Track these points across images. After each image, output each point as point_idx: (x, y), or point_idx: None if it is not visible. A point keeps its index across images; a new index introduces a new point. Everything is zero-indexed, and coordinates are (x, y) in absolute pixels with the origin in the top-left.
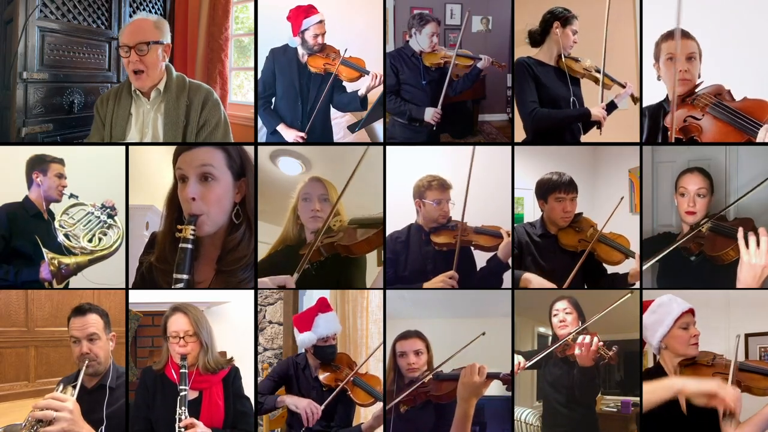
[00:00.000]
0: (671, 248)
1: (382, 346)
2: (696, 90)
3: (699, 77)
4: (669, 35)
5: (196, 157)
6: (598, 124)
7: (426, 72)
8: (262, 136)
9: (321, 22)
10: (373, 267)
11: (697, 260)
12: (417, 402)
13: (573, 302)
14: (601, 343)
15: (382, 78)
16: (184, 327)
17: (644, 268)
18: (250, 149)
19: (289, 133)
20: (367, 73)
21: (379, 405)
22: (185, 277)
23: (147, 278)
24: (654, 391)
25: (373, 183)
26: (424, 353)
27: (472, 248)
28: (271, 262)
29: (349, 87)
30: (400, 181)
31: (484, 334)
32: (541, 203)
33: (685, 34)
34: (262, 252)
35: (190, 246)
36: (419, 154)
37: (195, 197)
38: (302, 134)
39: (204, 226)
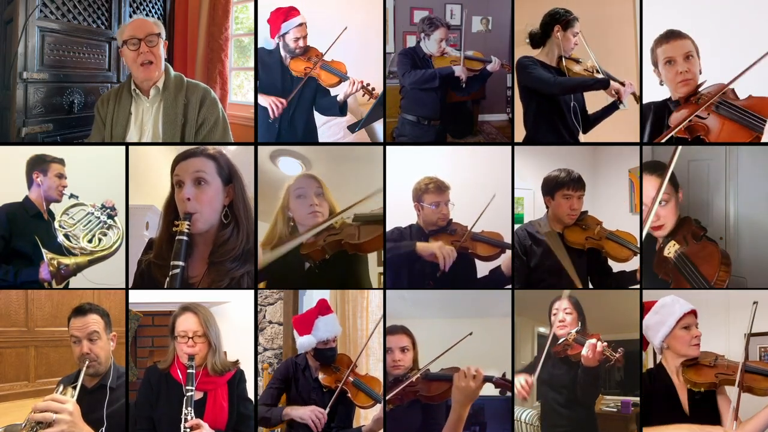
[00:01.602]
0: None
1: (377, 338)
2: (699, 89)
3: (700, 73)
4: (662, 39)
5: (192, 165)
6: (617, 104)
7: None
8: (261, 136)
9: (301, 24)
10: (373, 267)
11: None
12: (404, 401)
13: (574, 302)
14: (606, 344)
15: (363, 84)
16: (193, 327)
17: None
18: (240, 149)
19: (265, 99)
20: (347, 78)
21: (380, 407)
22: (181, 263)
23: (146, 274)
24: None
25: (373, 182)
26: (410, 350)
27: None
28: (271, 264)
29: (331, 91)
30: (400, 181)
31: (471, 334)
32: (548, 200)
33: (678, 34)
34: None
35: (185, 238)
36: (419, 154)
37: (190, 198)
38: (282, 100)
39: (197, 223)
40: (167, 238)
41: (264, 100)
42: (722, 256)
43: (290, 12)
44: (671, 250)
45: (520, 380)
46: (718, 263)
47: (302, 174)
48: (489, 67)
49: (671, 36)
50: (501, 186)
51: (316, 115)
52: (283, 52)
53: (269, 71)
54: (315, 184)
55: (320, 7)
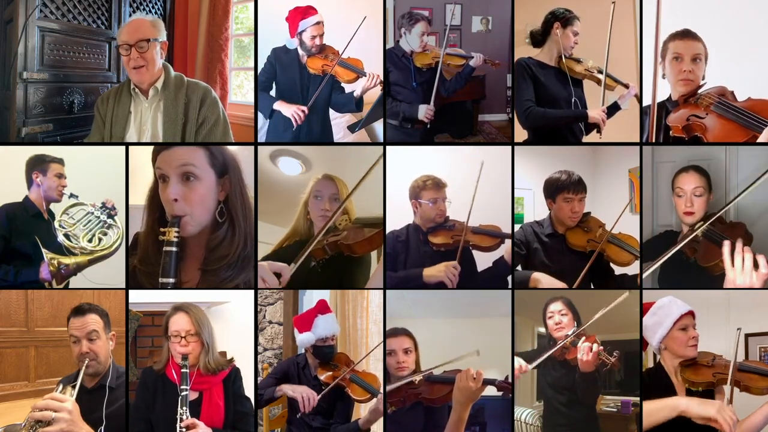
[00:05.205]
0: (671, 253)
1: (381, 344)
2: (699, 90)
3: (703, 79)
4: (676, 35)
5: (177, 157)
6: (598, 128)
7: (417, 73)
8: (262, 136)
9: (319, 23)
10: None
11: (694, 264)
12: (406, 403)
13: (567, 303)
14: (602, 348)
15: (380, 78)
16: (185, 326)
17: (646, 274)
18: (240, 148)
19: (287, 108)
20: (365, 74)
21: (375, 400)
22: (171, 281)
23: (132, 279)
24: (658, 411)
25: (375, 183)
26: (412, 351)
27: (471, 249)
28: (279, 255)
29: (348, 88)
30: (400, 181)
31: (478, 353)
32: (549, 203)
33: (693, 35)
34: (267, 249)
35: (174, 249)
36: (419, 155)
37: (177, 198)
38: (303, 107)
39: (188, 227)
40: (153, 241)
41: (286, 110)
42: (747, 229)
43: (308, 11)
44: (700, 228)
45: (516, 362)
46: (745, 231)
47: (326, 175)
48: (472, 63)
49: (686, 35)
50: (501, 186)
51: None
52: (300, 51)
53: (287, 70)
54: (333, 188)
55: (320, 7)
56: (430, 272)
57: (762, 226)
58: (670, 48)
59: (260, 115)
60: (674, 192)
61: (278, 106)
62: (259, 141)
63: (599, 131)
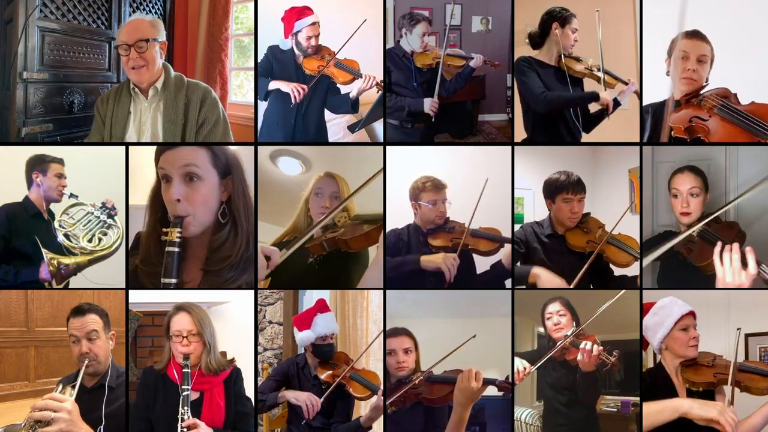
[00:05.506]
0: (667, 247)
1: (377, 340)
2: (701, 92)
3: (706, 81)
4: (687, 34)
5: (180, 157)
6: (606, 112)
7: (418, 73)
8: (262, 136)
9: (314, 24)
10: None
11: (690, 264)
12: (406, 403)
13: (565, 303)
14: (602, 348)
15: (376, 80)
16: (187, 326)
17: (644, 265)
18: (240, 148)
19: (286, 85)
20: (360, 75)
21: (376, 398)
22: (173, 281)
23: (134, 279)
24: (659, 413)
25: (375, 182)
26: (413, 351)
27: (470, 252)
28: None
29: (343, 89)
30: (400, 181)
31: (474, 336)
32: (549, 203)
33: (701, 36)
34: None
35: (176, 249)
36: (419, 155)
37: (180, 198)
38: (303, 85)
39: (190, 227)
40: (155, 241)
41: (285, 87)
42: (740, 229)
43: (304, 11)
44: (696, 228)
45: (519, 364)
46: (738, 231)
47: (327, 173)
48: (472, 63)
49: (695, 35)
50: (501, 186)
51: None
52: (296, 51)
53: (283, 69)
54: (334, 186)
55: (319, 7)
56: (429, 258)
57: (760, 226)
58: (678, 45)
59: (260, 115)
60: (670, 192)
61: (276, 84)
62: (259, 140)
63: (608, 115)
